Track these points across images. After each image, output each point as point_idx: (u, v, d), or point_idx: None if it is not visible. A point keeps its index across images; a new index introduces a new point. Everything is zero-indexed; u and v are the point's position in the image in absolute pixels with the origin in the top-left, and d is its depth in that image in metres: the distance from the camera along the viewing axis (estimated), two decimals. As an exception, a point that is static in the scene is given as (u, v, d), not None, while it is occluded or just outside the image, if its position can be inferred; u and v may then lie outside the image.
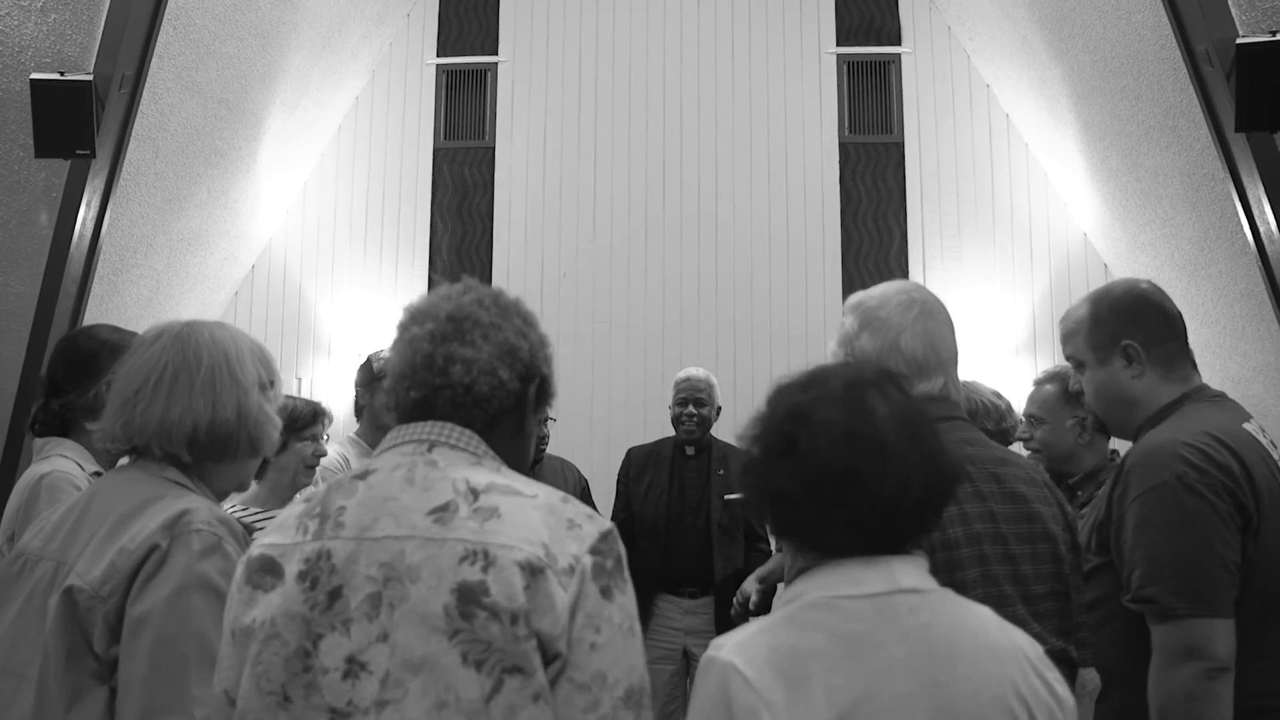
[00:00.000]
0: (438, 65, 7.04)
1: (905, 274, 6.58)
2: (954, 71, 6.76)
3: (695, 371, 4.25)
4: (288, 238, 6.90)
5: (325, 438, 3.23)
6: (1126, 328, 2.09)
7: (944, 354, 1.82)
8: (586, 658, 1.17)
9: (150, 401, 1.63)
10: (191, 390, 1.64)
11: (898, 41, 6.85)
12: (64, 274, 4.60)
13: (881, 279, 6.76)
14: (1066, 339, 2.21)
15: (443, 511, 1.22)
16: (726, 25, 6.91)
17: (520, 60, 6.98)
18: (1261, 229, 4.24)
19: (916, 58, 6.80)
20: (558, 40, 6.99)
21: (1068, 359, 2.24)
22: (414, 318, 1.40)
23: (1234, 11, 3.96)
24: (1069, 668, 1.64)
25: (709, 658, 1.21)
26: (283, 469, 3.10)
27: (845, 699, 1.15)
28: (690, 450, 4.20)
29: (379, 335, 6.53)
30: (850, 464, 1.23)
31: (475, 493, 1.24)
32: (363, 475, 1.31)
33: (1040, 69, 5.97)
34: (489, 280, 6.68)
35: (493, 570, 1.17)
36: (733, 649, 1.20)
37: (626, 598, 1.23)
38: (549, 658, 1.17)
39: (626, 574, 1.25)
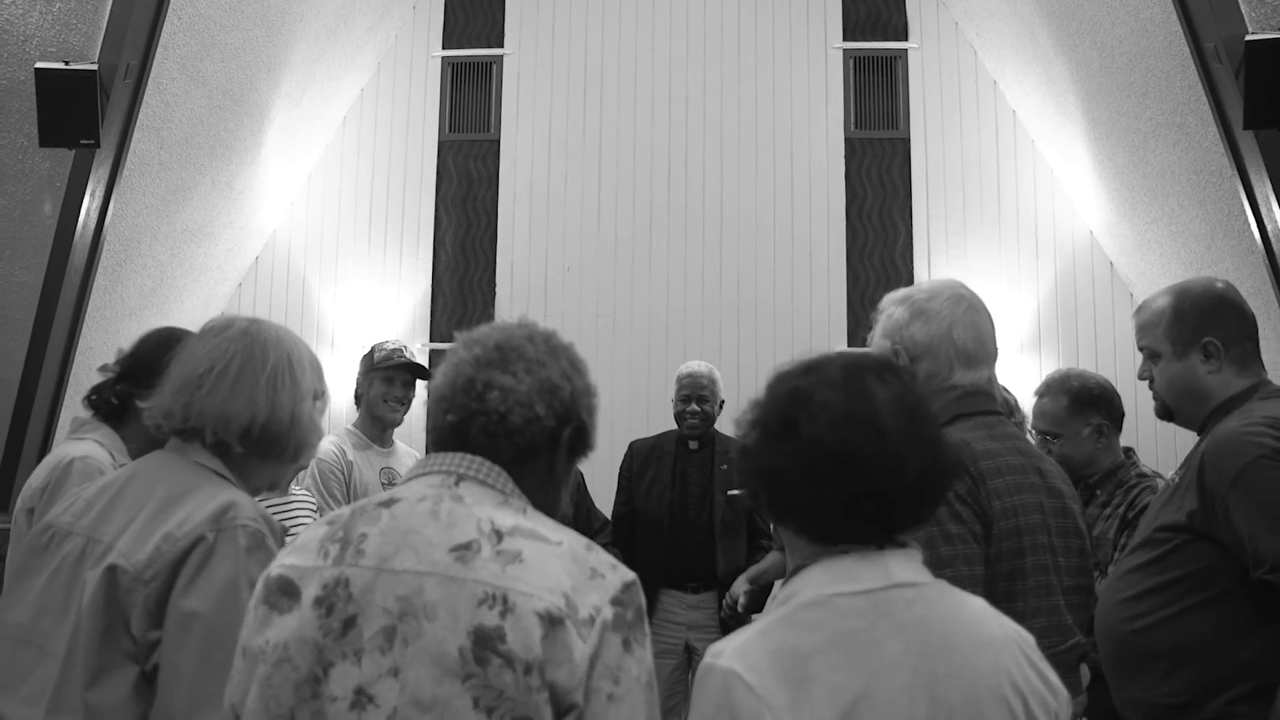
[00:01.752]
0: (443, 57, 7.03)
1: (910, 270, 6.57)
2: (961, 67, 6.74)
3: (698, 367, 4.21)
4: (292, 229, 6.89)
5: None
6: (1208, 325, 2.17)
7: (989, 349, 1.88)
8: (604, 709, 1.16)
9: (213, 388, 1.65)
10: (255, 385, 1.67)
11: (905, 37, 6.83)
12: (68, 264, 4.60)
13: (886, 275, 6.79)
14: (1144, 330, 2.28)
15: (465, 550, 1.21)
16: (733, 19, 6.90)
17: (525, 53, 6.97)
18: (1269, 227, 4.23)
19: (923, 53, 6.78)
20: (563, 33, 6.97)
21: (1141, 349, 2.31)
22: (464, 343, 1.40)
23: (1243, 8, 3.94)
24: (1081, 660, 1.71)
25: (708, 665, 1.20)
26: None
27: (846, 697, 1.15)
28: (693, 445, 4.19)
29: (383, 327, 6.53)
30: (848, 446, 1.23)
31: (499, 534, 1.23)
32: (388, 504, 1.31)
33: (1047, 65, 5.95)
34: (492, 274, 6.68)
35: (511, 617, 1.16)
36: (732, 655, 1.19)
37: (645, 651, 1.23)
38: (563, 709, 1.16)
39: (646, 627, 1.24)
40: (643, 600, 1.25)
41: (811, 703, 1.14)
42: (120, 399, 2.24)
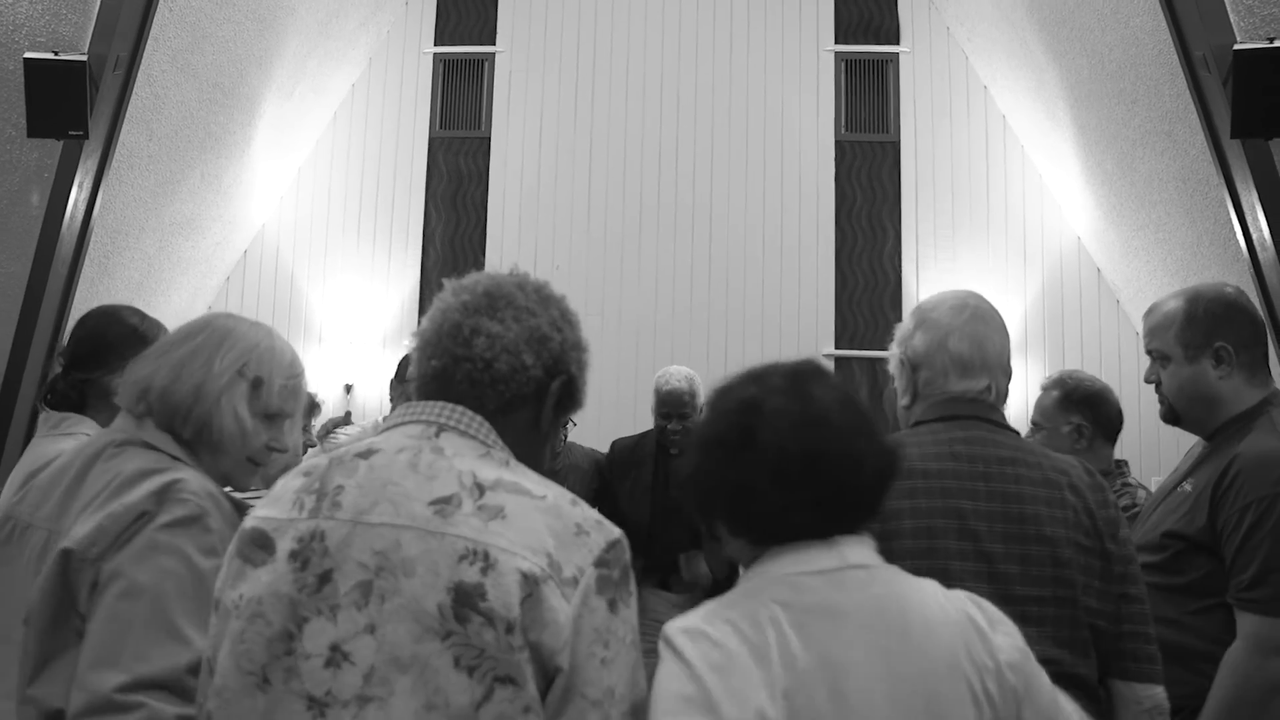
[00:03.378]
0: (435, 54, 7.02)
1: (898, 273, 6.59)
2: (952, 72, 6.76)
3: (678, 384, 4.04)
4: (281, 224, 6.88)
5: (314, 428, 3.23)
6: (1221, 329, 2.17)
7: (991, 358, 1.87)
8: (598, 674, 1.13)
9: (144, 359, 1.67)
10: (168, 355, 1.66)
11: (896, 41, 6.84)
12: (54, 255, 4.58)
13: (875, 278, 6.81)
14: (1153, 333, 2.27)
15: (445, 504, 1.17)
16: (725, 20, 6.90)
17: (518, 51, 6.97)
18: (1255, 236, 4.25)
19: (915, 57, 6.80)
20: (556, 32, 6.97)
21: (1149, 352, 2.30)
22: (453, 290, 1.36)
23: (1232, 17, 3.96)
24: (1077, 687, 1.60)
25: (666, 632, 1.20)
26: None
27: (802, 665, 1.17)
28: (675, 452, 4.16)
29: (371, 323, 6.52)
30: (810, 448, 1.26)
31: (481, 488, 1.19)
32: (366, 454, 1.26)
33: (1038, 71, 5.97)
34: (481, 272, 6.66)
35: (492, 574, 1.12)
36: (696, 619, 1.21)
37: (630, 610, 1.19)
38: (549, 670, 1.12)
39: (632, 585, 1.21)
40: (628, 558, 1.22)
41: (769, 664, 1.16)
42: (76, 388, 2.23)
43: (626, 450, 4.26)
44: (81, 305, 4.96)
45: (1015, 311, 6.47)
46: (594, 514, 1.23)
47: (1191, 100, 4.37)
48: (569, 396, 1.38)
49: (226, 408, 1.67)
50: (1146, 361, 2.35)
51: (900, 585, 1.29)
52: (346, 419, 3.96)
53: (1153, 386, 2.32)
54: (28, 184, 4.56)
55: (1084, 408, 2.98)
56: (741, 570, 1.34)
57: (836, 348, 6.51)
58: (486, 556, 1.13)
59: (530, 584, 1.12)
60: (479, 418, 1.29)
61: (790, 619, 1.20)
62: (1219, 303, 2.21)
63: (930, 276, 6.54)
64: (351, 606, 1.15)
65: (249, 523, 1.27)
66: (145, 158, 5.27)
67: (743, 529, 1.32)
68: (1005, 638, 1.30)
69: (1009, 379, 1.91)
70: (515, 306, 1.33)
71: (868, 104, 6.81)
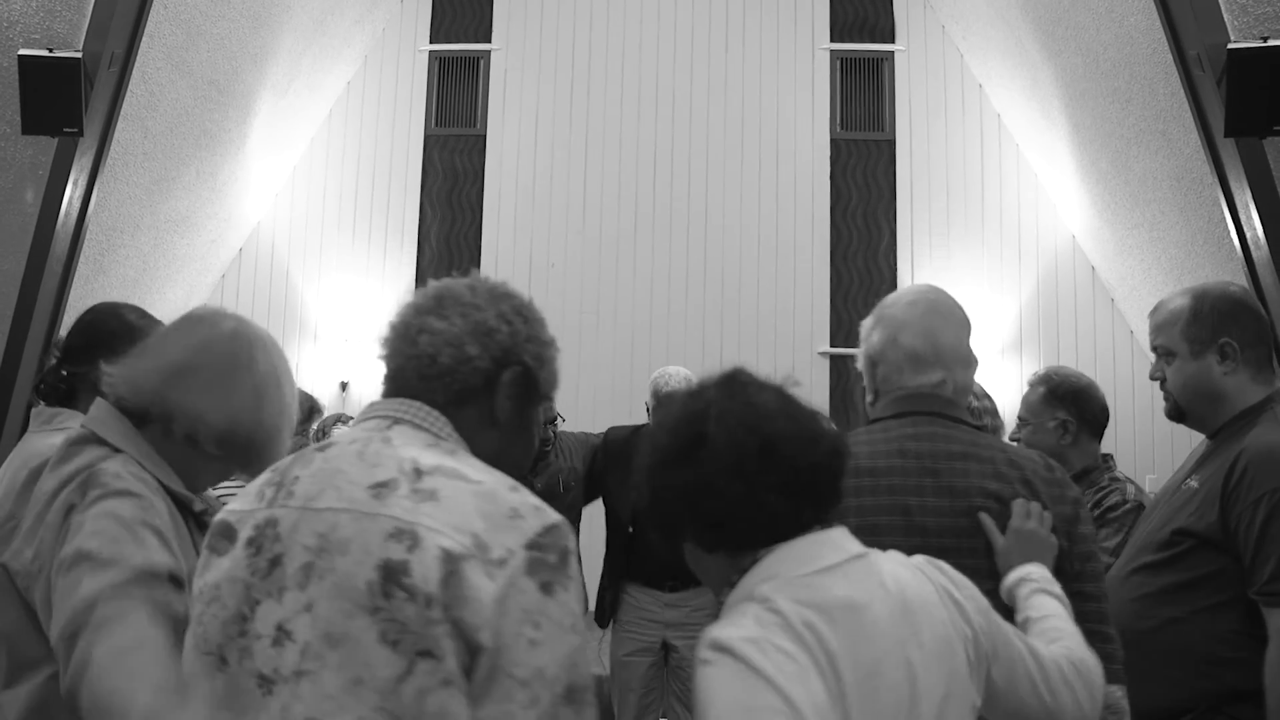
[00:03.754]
0: (430, 52, 7.02)
1: (893, 271, 6.60)
2: (947, 70, 6.78)
3: (677, 384, 4.01)
4: (276, 222, 6.87)
5: (311, 430, 3.22)
6: (1226, 326, 2.19)
7: (945, 351, 1.85)
8: (526, 654, 1.14)
9: (194, 386, 1.62)
10: (240, 391, 1.65)
11: (891, 39, 6.85)
12: (49, 253, 4.56)
13: (870, 276, 6.82)
14: (1159, 329, 2.28)
15: (382, 487, 1.21)
16: (721, 18, 6.91)
17: (513, 49, 6.96)
18: (1248, 234, 4.26)
19: (910, 55, 6.81)
20: (551, 30, 6.97)
21: (1154, 349, 2.31)
22: (412, 296, 1.42)
23: (1226, 16, 3.97)
24: None
25: (725, 642, 1.18)
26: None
27: (843, 667, 1.18)
28: None
29: (366, 321, 6.52)
30: (763, 436, 1.29)
31: (419, 473, 1.22)
32: (324, 448, 1.32)
33: (1033, 70, 5.99)
34: (477, 269, 6.67)
35: (417, 551, 1.14)
36: (752, 627, 1.19)
37: (569, 594, 1.20)
38: (472, 647, 1.14)
39: (572, 570, 1.21)
40: (569, 544, 1.22)
41: (824, 671, 1.16)
42: (67, 382, 2.22)
43: (620, 441, 4.23)
44: (76, 303, 4.95)
45: (1010, 310, 6.48)
46: (534, 500, 1.23)
47: (1186, 99, 4.37)
48: (527, 387, 1.39)
49: (284, 447, 1.72)
50: (1141, 359, 2.37)
51: (889, 567, 1.32)
52: (340, 418, 3.96)
53: (1153, 384, 2.33)
54: (22, 181, 4.56)
55: (1069, 403, 2.99)
56: (728, 582, 1.32)
57: (831, 346, 6.52)
58: (414, 535, 1.15)
59: (452, 561, 1.14)
60: (434, 412, 1.33)
61: (824, 621, 1.20)
62: (1225, 300, 2.22)
63: (925, 274, 6.55)
64: (295, 587, 1.18)
65: (219, 516, 1.32)
66: (140, 155, 5.26)
67: (717, 538, 1.32)
68: (970, 601, 1.34)
69: (970, 369, 1.89)
70: (461, 304, 1.37)
71: (863, 102, 6.82)
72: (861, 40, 6.87)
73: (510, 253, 6.71)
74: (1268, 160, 4.08)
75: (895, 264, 6.61)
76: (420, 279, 6.73)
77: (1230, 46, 3.85)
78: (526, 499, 1.23)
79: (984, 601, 1.34)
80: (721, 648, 1.18)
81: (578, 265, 6.67)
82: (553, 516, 1.22)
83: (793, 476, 1.28)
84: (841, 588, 1.24)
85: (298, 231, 6.86)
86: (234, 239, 6.71)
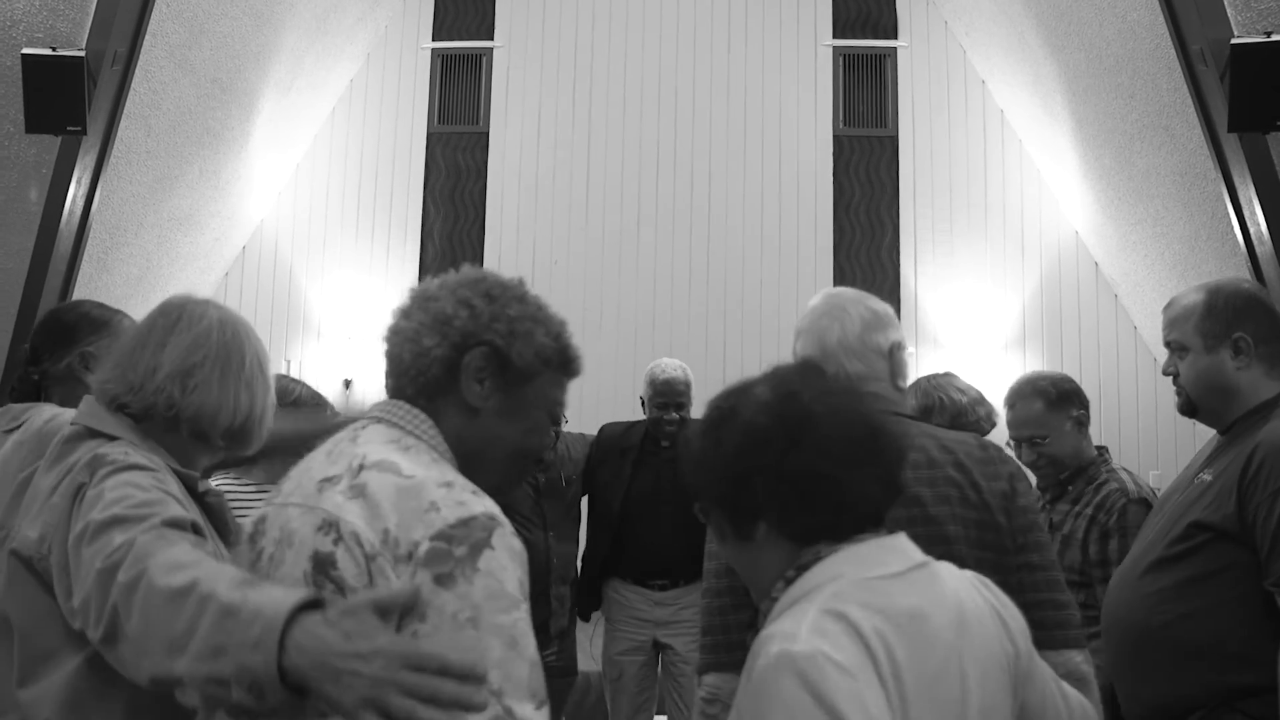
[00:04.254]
0: (433, 49, 7.02)
1: (897, 268, 6.60)
2: (950, 66, 6.77)
3: (675, 372, 4.02)
4: (279, 219, 6.88)
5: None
6: (1240, 321, 2.19)
7: (830, 347, 1.86)
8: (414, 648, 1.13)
9: (204, 384, 1.64)
10: (238, 381, 1.67)
11: (894, 35, 6.85)
12: (53, 251, 4.58)
13: (873, 272, 6.82)
14: (1173, 324, 2.29)
15: (326, 482, 1.24)
16: (723, 15, 6.90)
17: (516, 46, 6.96)
18: (1252, 230, 4.26)
19: (913, 52, 6.80)
20: (553, 27, 6.97)
21: (1167, 343, 2.32)
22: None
23: (1229, 11, 3.97)
24: None
25: (782, 651, 1.14)
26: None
27: (907, 677, 1.16)
28: (665, 443, 4.11)
29: (369, 319, 6.52)
30: (871, 425, 1.29)
31: (361, 468, 1.24)
32: (315, 446, 1.37)
33: (1035, 66, 5.98)
34: (479, 266, 6.67)
35: (341, 545, 1.17)
36: (810, 635, 1.14)
37: (474, 586, 1.15)
38: None
39: (487, 562, 1.17)
40: (493, 535, 1.18)
41: (886, 682, 1.14)
42: (38, 380, 2.24)
43: (614, 437, 4.23)
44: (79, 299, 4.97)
45: (1013, 306, 6.47)
46: (462, 495, 1.21)
47: (1189, 94, 4.37)
48: (500, 365, 1.36)
49: (270, 414, 1.75)
50: (1144, 355, 2.37)
51: (948, 577, 1.30)
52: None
53: (1156, 380, 2.34)
54: (26, 180, 4.57)
55: (1072, 399, 3.01)
56: (783, 577, 1.29)
57: (835, 342, 6.52)
58: (337, 529, 1.18)
59: (368, 559, 1.16)
60: (415, 410, 1.34)
61: (892, 630, 1.17)
62: (1239, 295, 2.23)
63: (928, 271, 6.55)
64: (265, 577, 1.23)
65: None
66: (143, 153, 5.27)
67: (803, 525, 1.28)
68: (1014, 621, 1.33)
69: (879, 355, 1.86)
70: (425, 298, 1.38)
71: (866, 99, 6.81)
72: (864, 36, 6.86)
73: (513, 250, 6.71)
74: (1271, 155, 4.08)
75: (898, 260, 6.61)
76: (423, 276, 6.72)
77: (1233, 41, 3.85)
78: (454, 494, 1.20)
79: (1024, 623, 1.34)
80: (788, 660, 1.13)
81: (580, 262, 6.67)
82: (474, 509, 1.19)
83: (890, 471, 1.29)
84: (908, 596, 1.22)
85: (301, 229, 6.86)
86: (237, 237, 6.71)
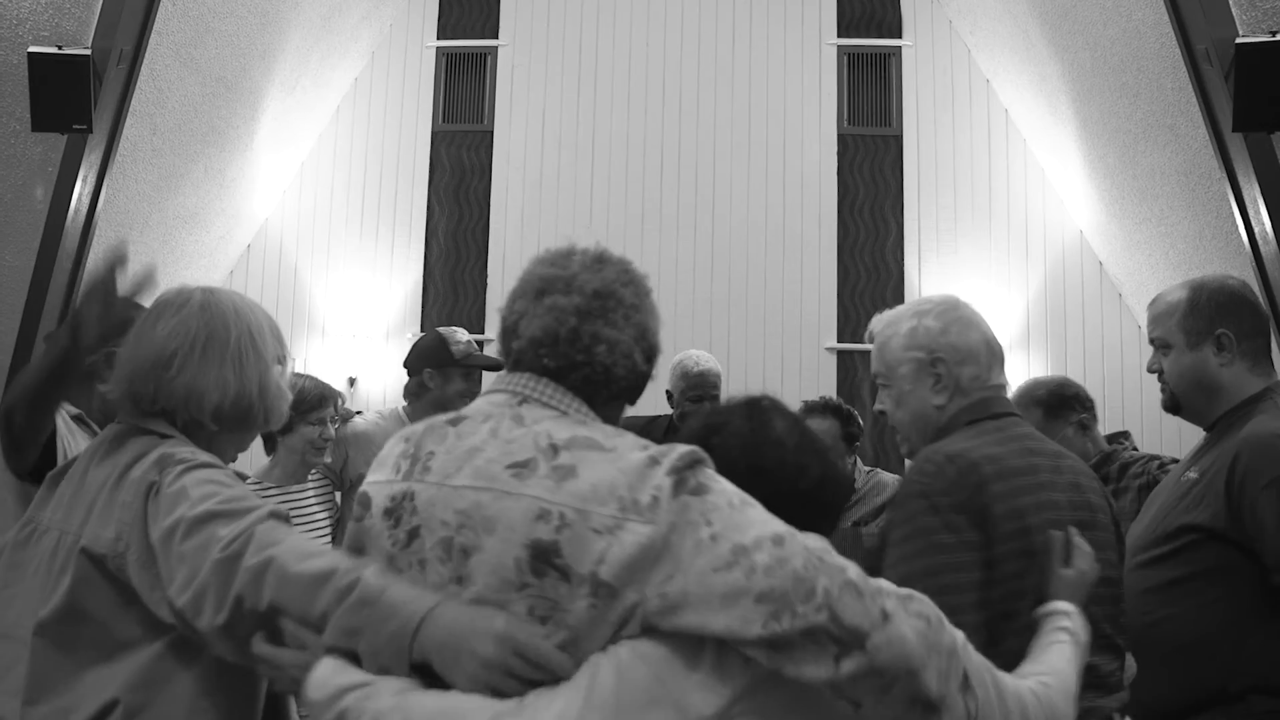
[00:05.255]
0: (438, 48, 7.02)
1: (901, 267, 6.60)
2: (954, 65, 6.76)
3: (708, 364, 3.99)
4: (284, 218, 6.89)
5: (335, 421, 3.22)
6: (1223, 317, 2.19)
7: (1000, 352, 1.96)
8: (711, 548, 1.15)
9: (181, 369, 1.64)
10: (221, 362, 1.66)
11: (899, 34, 6.84)
12: (59, 249, 4.59)
13: (878, 271, 6.81)
14: (1156, 321, 2.30)
15: (521, 468, 1.24)
16: (728, 14, 6.90)
17: (520, 45, 6.97)
18: (1257, 229, 4.25)
19: (917, 51, 6.80)
20: (558, 26, 6.97)
21: (1152, 341, 2.32)
22: (550, 284, 1.41)
23: (1234, 11, 3.97)
24: (1117, 655, 1.75)
25: None
26: (291, 449, 3.16)
27: None
28: None
29: (374, 317, 6.53)
30: (753, 462, 1.38)
31: (555, 449, 1.25)
32: (455, 422, 1.36)
33: (1040, 65, 5.97)
34: (484, 265, 6.69)
35: (566, 531, 1.18)
36: None
37: (721, 484, 1.23)
38: (627, 606, 1.17)
39: (713, 476, 1.24)
40: (706, 457, 1.25)
41: None
42: None
43: (637, 430, 4.21)
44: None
45: (1017, 305, 6.47)
46: (666, 446, 1.26)
47: (1194, 94, 4.37)
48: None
49: (279, 392, 1.76)
50: (1149, 355, 2.36)
51: None
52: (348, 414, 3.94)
53: (1154, 377, 2.34)
54: (32, 178, 4.58)
55: (1072, 404, 3.05)
56: None
57: (839, 341, 6.52)
58: (562, 517, 1.19)
59: (605, 532, 1.17)
60: (560, 388, 1.36)
61: None
62: (1222, 292, 2.23)
63: (932, 270, 6.54)
64: (436, 561, 1.26)
65: (361, 488, 1.41)
66: (149, 152, 5.28)
67: None
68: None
69: None
70: (624, 305, 1.40)
71: (870, 98, 6.81)
72: (869, 35, 6.86)
73: (518, 248, 6.72)
74: (1276, 155, 4.08)
75: (903, 259, 6.61)
76: (428, 275, 6.74)
77: (1238, 41, 3.85)
78: (657, 448, 1.25)
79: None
80: None
81: (585, 261, 6.67)
82: (686, 447, 1.24)
83: (772, 503, 1.30)
84: None
85: (305, 227, 6.88)
86: (242, 235, 6.72)
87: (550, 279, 1.42)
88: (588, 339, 1.35)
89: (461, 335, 3.55)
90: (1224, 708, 1.98)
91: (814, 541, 1.19)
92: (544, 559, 1.18)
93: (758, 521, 1.19)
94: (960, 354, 1.88)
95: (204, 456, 1.58)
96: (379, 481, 1.38)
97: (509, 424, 1.31)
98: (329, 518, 3.26)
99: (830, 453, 1.46)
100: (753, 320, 6.54)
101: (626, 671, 1.15)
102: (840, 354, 6.50)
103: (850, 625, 1.13)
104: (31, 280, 4.60)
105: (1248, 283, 2.29)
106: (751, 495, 1.26)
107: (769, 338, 6.44)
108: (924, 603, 1.21)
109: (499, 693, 1.17)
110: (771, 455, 1.39)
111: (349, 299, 6.71)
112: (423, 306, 6.73)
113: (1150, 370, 2.36)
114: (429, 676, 1.22)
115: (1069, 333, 6.43)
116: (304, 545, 1.41)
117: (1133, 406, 5.93)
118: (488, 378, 3.76)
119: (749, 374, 6.11)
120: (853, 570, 1.16)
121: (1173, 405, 2.30)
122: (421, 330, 6.62)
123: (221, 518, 1.45)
